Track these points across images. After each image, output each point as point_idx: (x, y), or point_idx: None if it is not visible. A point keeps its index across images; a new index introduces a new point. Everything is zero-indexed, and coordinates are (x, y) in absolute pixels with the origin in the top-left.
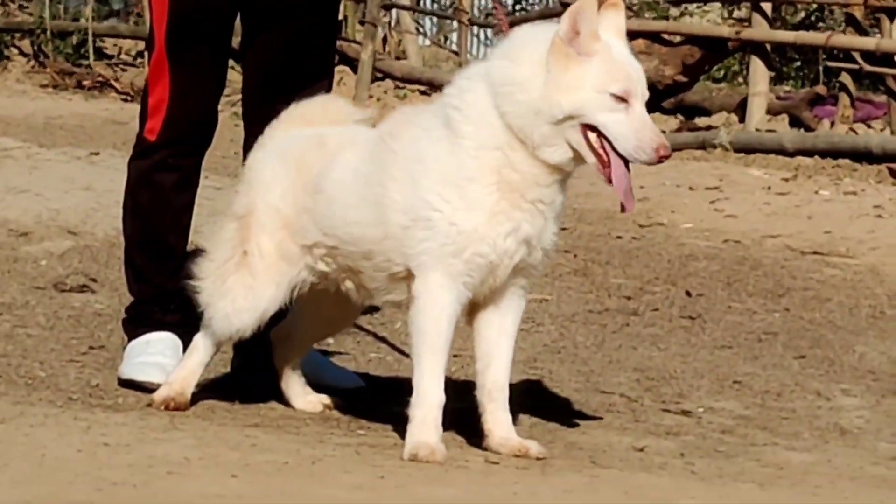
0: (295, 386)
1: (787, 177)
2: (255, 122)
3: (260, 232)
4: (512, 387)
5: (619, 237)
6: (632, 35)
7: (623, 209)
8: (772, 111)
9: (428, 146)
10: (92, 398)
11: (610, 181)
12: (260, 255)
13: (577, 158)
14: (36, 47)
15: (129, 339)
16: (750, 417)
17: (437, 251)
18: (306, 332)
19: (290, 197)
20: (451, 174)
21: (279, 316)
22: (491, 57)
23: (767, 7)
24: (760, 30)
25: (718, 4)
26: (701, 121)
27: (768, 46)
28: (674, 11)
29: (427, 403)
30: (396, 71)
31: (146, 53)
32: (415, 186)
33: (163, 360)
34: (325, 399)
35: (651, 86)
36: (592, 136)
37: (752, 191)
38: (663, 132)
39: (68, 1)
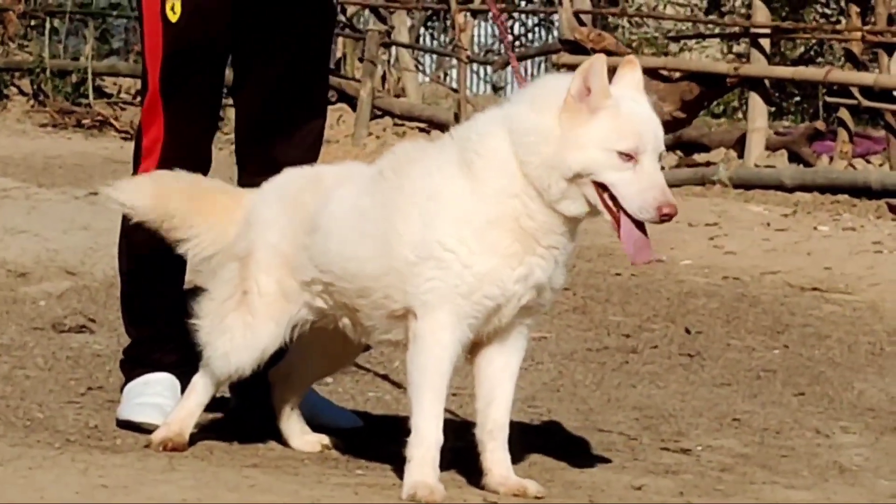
0: (293, 426)
1: (787, 213)
2: (249, 161)
3: (259, 271)
4: (510, 425)
5: (617, 274)
6: None
7: (633, 263)
8: (771, 147)
9: (443, 185)
10: (90, 439)
11: (618, 233)
12: (259, 293)
13: (593, 211)
14: (35, 86)
15: (127, 380)
16: (749, 455)
17: (447, 291)
18: (305, 372)
19: (288, 235)
20: (469, 217)
21: (277, 356)
22: (514, 101)
23: (766, 43)
24: (758, 66)
25: (717, 40)
26: (700, 157)
27: (767, 82)
28: (673, 47)
29: (426, 444)
30: (395, 108)
31: (140, 95)
32: (427, 224)
33: (161, 401)
34: (323, 439)
35: None
36: (605, 192)
37: (752, 227)
38: (661, 168)
39: (68, 40)
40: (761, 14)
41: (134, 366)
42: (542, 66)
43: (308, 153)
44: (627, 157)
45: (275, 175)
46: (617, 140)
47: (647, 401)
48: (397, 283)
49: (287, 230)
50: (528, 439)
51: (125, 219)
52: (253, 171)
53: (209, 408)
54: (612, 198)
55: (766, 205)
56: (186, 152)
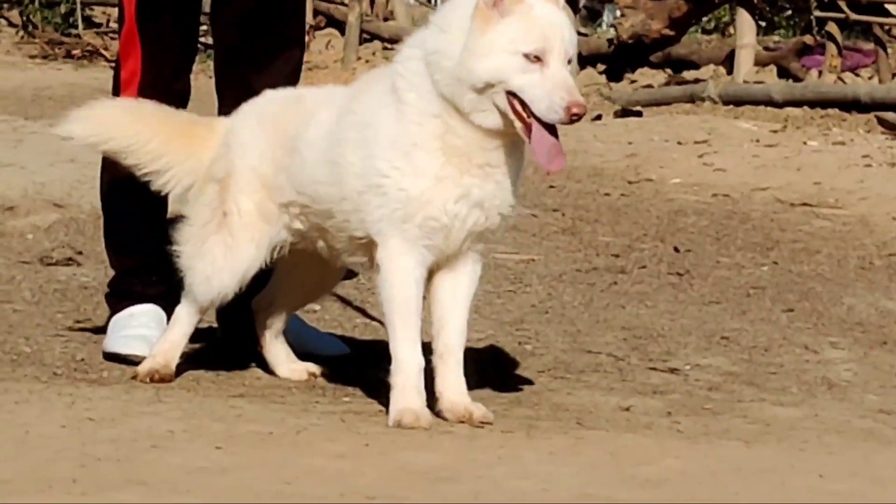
0: (279, 354)
1: (776, 128)
2: (227, 91)
3: (239, 193)
4: (497, 348)
5: (607, 194)
6: None
7: (547, 172)
8: (760, 62)
9: (377, 111)
10: (77, 372)
11: (528, 139)
12: (239, 215)
13: (508, 122)
14: (24, 18)
15: (113, 313)
16: (737, 374)
17: (391, 217)
18: (287, 299)
19: (268, 157)
20: (397, 140)
21: (259, 284)
22: (429, 22)
23: None
24: None
25: None
26: (689, 74)
27: None
28: None
29: (406, 369)
30: (384, 32)
31: (118, 26)
32: (367, 151)
33: (147, 333)
34: (310, 367)
35: (638, 40)
36: (515, 100)
37: (741, 143)
38: (650, 87)
39: None
40: None
41: (119, 298)
42: None
43: (286, 82)
44: (535, 58)
45: None
46: (523, 42)
47: (635, 321)
48: (352, 210)
49: (267, 152)
50: (516, 363)
51: None
52: (231, 101)
53: (195, 338)
54: (523, 105)
55: (755, 121)
56: (164, 84)
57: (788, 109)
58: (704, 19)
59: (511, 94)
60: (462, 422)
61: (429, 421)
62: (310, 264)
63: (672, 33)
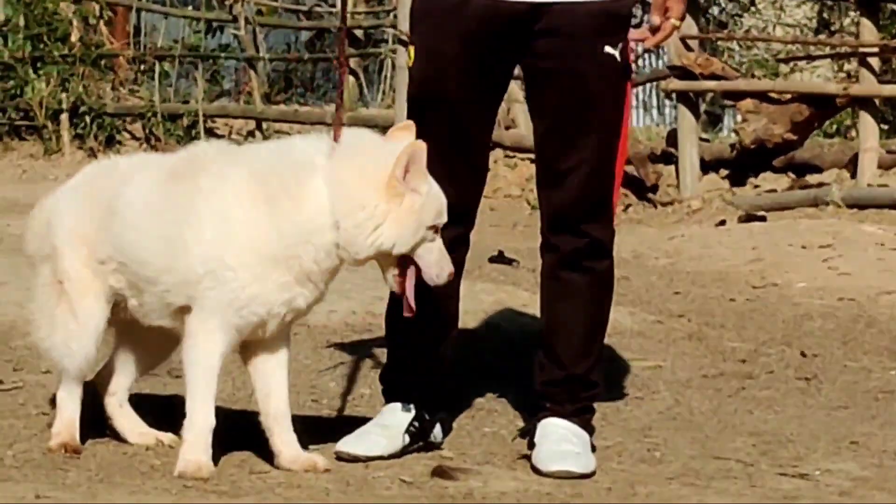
0: (126, 423)
1: None
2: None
3: (66, 258)
4: (626, 455)
5: (732, 299)
6: (740, 95)
7: (408, 313)
8: (883, 165)
9: (239, 211)
10: (207, 485)
11: (402, 292)
12: (71, 277)
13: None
14: (147, 130)
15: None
16: (867, 478)
17: (221, 302)
18: (127, 366)
19: (85, 216)
20: (258, 246)
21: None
22: (338, 158)
23: (875, 62)
24: (868, 85)
25: (827, 60)
26: (812, 178)
27: (877, 101)
28: (783, 69)
29: (197, 427)
30: (506, 140)
31: None
32: (216, 243)
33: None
34: (160, 434)
35: (760, 144)
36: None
37: (866, 247)
38: (774, 191)
39: (178, 83)
40: (869, 33)
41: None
42: (652, 91)
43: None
44: (434, 229)
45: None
46: (432, 216)
47: (764, 426)
48: (181, 283)
49: (84, 212)
50: (644, 469)
51: None
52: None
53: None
54: (403, 262)
55: (880, 224)
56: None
57: None
58: (826, 123)
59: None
60: (307, 471)
61: (210, 472)
62: (143, 330)
63: (794, 137)
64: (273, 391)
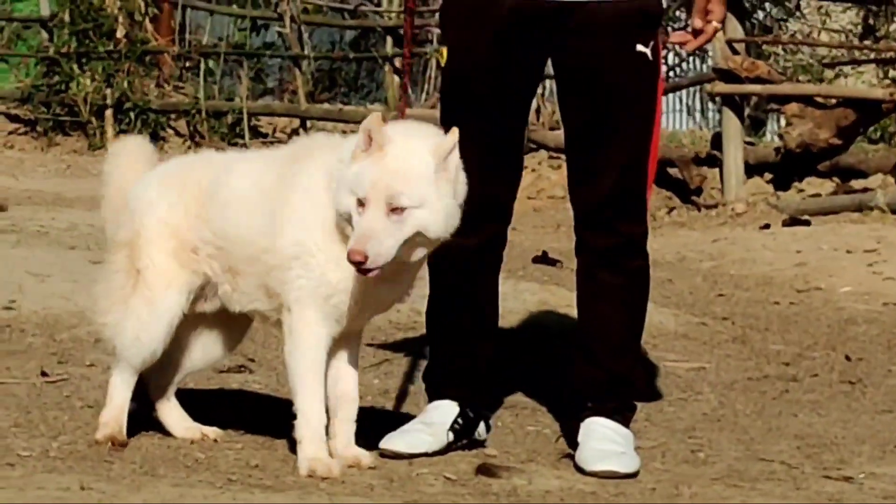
0: (173, 416)
1: None
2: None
3: (150, 247)
4: (670, 455)
5: (776, 303)
6: (785, 99)
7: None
8: None
9: (324, 195)
10: (251, 478)
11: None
12: (153, 267)
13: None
14: (192, 128)
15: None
16: None
17: (310, 291)
18: (177, 359)
19: (179, 206)
20: (328, 227)
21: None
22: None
23: None
24: None
25: (873, 65)
26: (857, 183)
27: None
28: (828, 73)
29: (312, 424)
30: (550, 142)
31: None
32: (303, 225)
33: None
34: (206, 429)
35: (805, 149)
36: None
37: None
38: (818, 195)
39: (223, 80)
40: None
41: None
42: (696, 95)
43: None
44: (360, 203)
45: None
46: (358, 186)
47: (808, 429)
48: (277, 266)
49: (177, 204)
50: (688, 470)
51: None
52: None
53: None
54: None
55: None
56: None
57: None
58: (871, 128)
59: None
60: (351, 467)
61: (340, 469)
62: (199, 328)
63: (839, 142)
64: (342, 376)
